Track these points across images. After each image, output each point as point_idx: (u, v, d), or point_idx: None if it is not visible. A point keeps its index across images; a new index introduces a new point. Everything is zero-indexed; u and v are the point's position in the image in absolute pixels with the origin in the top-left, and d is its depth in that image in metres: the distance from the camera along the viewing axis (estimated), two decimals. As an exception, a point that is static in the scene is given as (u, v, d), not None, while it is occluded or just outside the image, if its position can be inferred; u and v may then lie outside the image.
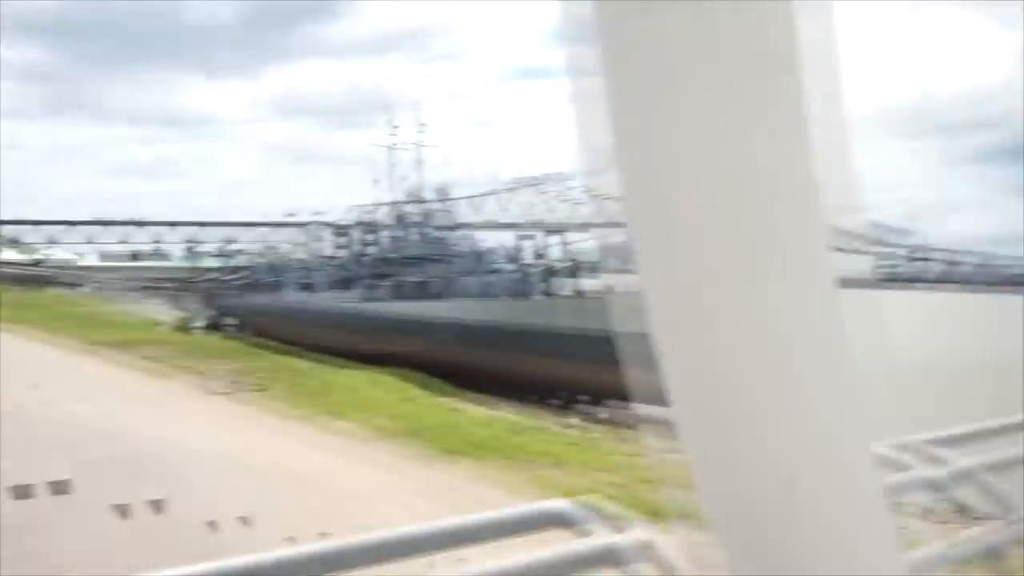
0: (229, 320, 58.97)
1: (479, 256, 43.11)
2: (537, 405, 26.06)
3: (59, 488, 7.59)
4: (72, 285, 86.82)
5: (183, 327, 55.23)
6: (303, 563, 2.19)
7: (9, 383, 16.79)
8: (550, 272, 38.77)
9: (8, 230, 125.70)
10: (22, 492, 7.31)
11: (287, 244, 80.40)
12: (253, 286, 61.12)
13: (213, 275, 75.04)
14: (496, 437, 17.92)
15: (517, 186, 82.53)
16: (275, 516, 8.47)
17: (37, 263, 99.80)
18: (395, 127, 49.95)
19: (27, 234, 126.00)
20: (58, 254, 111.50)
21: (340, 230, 56.43)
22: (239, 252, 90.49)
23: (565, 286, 37.16)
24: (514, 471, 14.15)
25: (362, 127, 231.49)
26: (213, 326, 58.17)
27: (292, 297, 52.83)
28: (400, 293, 41.17)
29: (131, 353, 30.52)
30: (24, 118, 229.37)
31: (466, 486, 12.90)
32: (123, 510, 7.28)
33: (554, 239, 43.02)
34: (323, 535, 8.06)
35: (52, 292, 76.46)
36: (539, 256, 41.68)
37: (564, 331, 28.92)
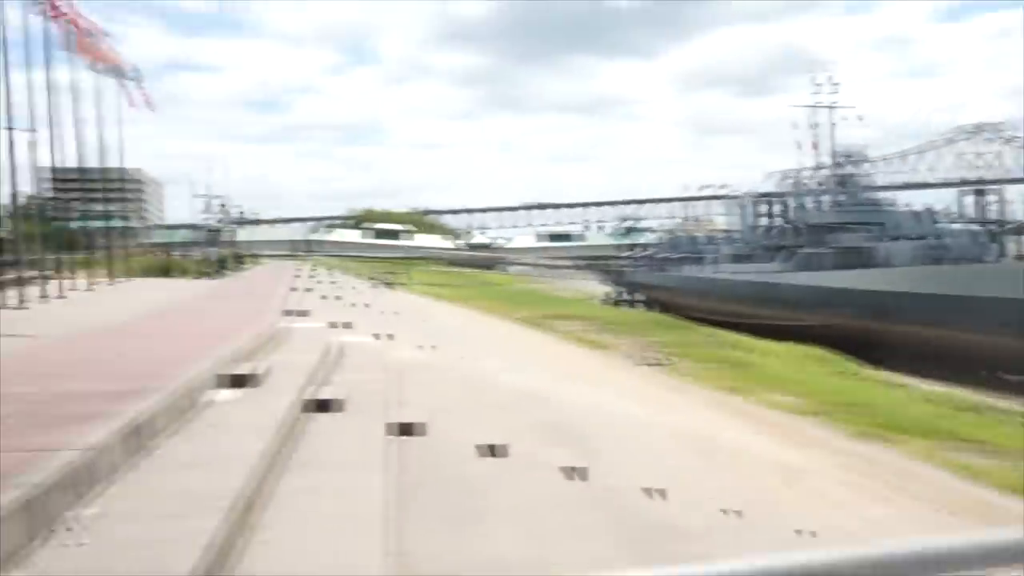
0: (639, 295, 60.64)
1: (916, 218, 38.81)
2: (984, 383, 22.81)
3: (499, 451, 7.86)
4: (507, 266, 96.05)
5: (607, 302, 58.03)
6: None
7: (454, 353, 18.55)
8: (997, 232, 33.86)
9: (453, 219, 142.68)
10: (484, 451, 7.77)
11: (701, 217, 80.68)
12: (663, 261, 62.15)
13: (627, 252, 77.94)
14: (943, 416, 15.88)
15: (954, 138, 73.54)
16: (707, 489, 8.06)
17: (480, 248, 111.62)
18: (817, 85, 47.33)
19: (469, 220, 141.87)
20: (493, 239, 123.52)
21: (758, 199, 54.80)
22: (649, 229, 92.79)
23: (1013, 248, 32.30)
24: (978, 454, 12.29)
25: (777, 92, 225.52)
26: (627, 301, 60.27)
27: (701, 270, 52.61)
28: (823, 262, 38.36)
29: (561, 327, 32.47)
30: (466, 118, 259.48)
31: (917, 470, 11.40)
32: (568, 473, 7.36)
33: (993, 196, 37.61)
34: (762, 514, 7.53)
35: (491, 274, 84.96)
36: (982, 215, 36.65)
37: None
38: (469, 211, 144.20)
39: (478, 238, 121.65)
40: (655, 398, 17.83)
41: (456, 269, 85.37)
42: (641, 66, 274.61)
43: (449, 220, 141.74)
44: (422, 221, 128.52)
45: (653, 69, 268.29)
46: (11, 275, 21.93)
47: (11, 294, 20.14)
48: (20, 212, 28.67)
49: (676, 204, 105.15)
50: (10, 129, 21.17)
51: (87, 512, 4.80)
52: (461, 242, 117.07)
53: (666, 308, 48.90)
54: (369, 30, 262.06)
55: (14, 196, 24.35)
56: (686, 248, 60.15)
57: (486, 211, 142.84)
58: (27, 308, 20.12)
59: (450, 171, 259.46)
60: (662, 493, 7.57)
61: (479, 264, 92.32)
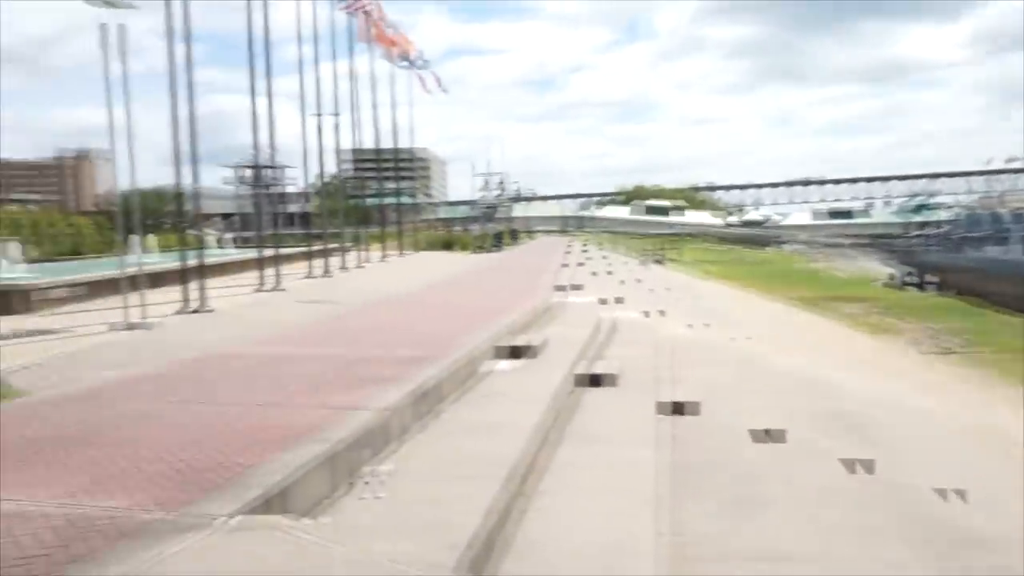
0: (930, 277, 55.36)
1: None
2: None
3: (775, 436, 7.50)
4: (782, 243, 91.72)
5: (891, 284, 53.78)
6: None
7: (726, 332, 18.01)
8: None
9: (725, 195, 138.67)
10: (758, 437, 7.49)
11: (1007, 193, 72.29)
12: (960, 241, 56.51)
13: (917, 231, 71.73)
14: None
15: None
16: (1014, 496, 7.17)
17: (754, 225, 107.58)
18: None
19: (742, 196, 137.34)
20: (767, 215, 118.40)
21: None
22: (944, 206, 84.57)
23: None
24: None
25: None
26: (916, 284, 55.32)
27: (1007, 252, 47.09)
28: None
29: (839, 309, 30.59)
30: (740, 91, 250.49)
31: None
32: (850, 465, 6.88)
33: None
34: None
35: (765, 252, 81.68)
36: None
37: None
38: (742, 187, 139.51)
39: (751, 215, 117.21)
40: (946, 389, 16.27)
41: (728, 246, 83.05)
42: (939, 29, 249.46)
43: (721, 196, 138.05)
44: (693, 197, 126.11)
45: (953, 32, 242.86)
46: (317, 247, 24.43)
47: (317, 264, 22.44)
48: (325, 190, 31.65)
49: (976, 179, 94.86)
50: (318, 115, 23.48)
51: (382, 468, 5.18)
52: (734, 219, 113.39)
53: (962, 292, 44.31)
54: (642, 6, 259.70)
55: (320, 175, 26.92)
56: (988, 226, 54.08)
57: (760, 187, 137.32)
58: (330, 277, 22.33)
59: (722, 146, 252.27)
60: (960, 495, 6.84)
61: (752, 241, 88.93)
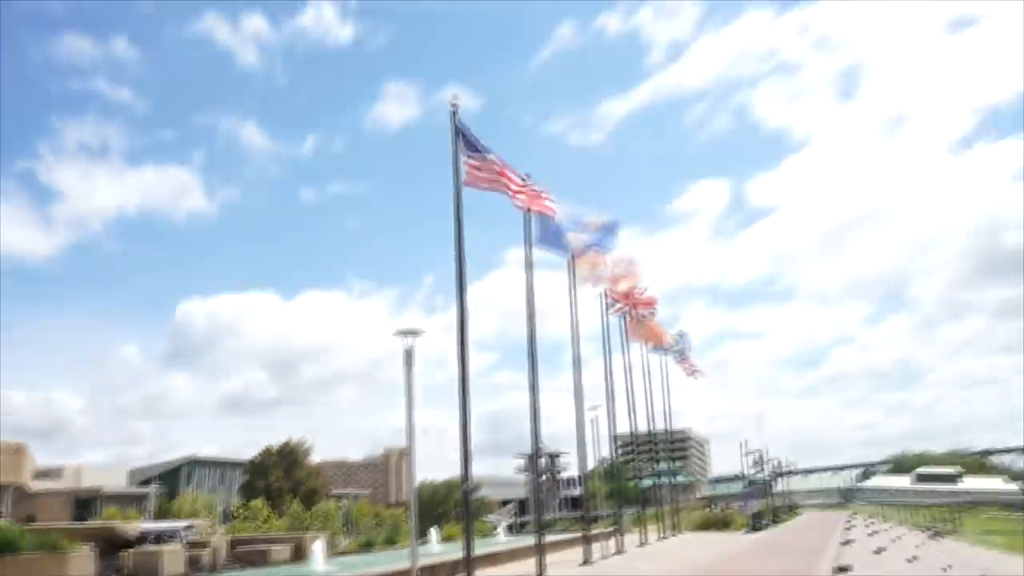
0: None
1: None
2: None
3: None
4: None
5: None
6: None
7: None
8: None
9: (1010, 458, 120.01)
10: None
11: None
12: None
13: None
14: None
15: None
16: None
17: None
18: None
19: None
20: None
21: None
22: None
23: None
24: None
25: None
26: None
27: None
28: None
29: None
30: (1010, 351, 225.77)
31: None
32: None
33: None
34: None
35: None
36: None
37: None
38: (1023, 449, 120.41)
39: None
40: None
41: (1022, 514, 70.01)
42: None
43: (1004, 460, 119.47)
44: (974, 463, 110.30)
45: None
46: (596, 531, 23.44)
47: (595, 547, 21.29)
48: (596, 473, 31.03)
49: None
50: (591, 408, 23.65)
51: None
52: None
53: None
54: (897, 278, 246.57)
55: (582, 460, 26.52)
56: None
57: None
58: (606, 559, 21.09)
59: (999, 408, 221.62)
60: None
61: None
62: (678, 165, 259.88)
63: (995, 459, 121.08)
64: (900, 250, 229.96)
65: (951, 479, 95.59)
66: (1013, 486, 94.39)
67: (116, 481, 74.13)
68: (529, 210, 17.57)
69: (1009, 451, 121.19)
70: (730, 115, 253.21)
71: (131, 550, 21.04)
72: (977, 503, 78.08)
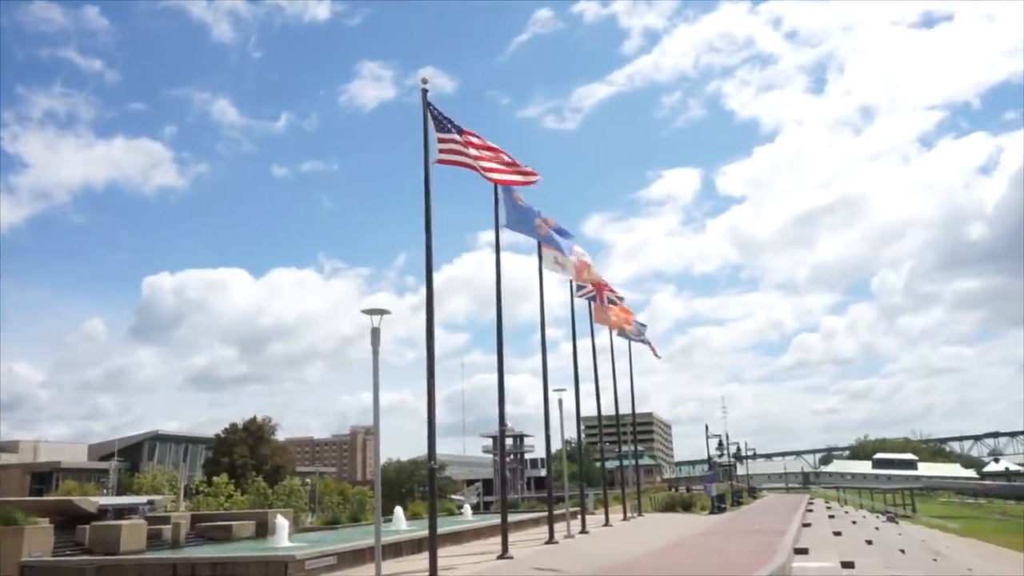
0: None
1: None
2: None
3: None
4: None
5: None
6: None
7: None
8: None
9: (959, 445, 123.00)
10: None
11: None
12: None
13: None
14: None
15: None
16: None
17: (1017, 476, 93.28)
18: None
19: (994, 445, 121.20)
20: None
21: None
22: None
23: None
24: None
25: None
26: None
27: None
28: None
29: None
30: (970, 341, 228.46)
31: None
32: None
33: None
34: None
35: None
36: None
37: None
38: (976, 437, 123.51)
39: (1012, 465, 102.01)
40: None
41: (975, 500, 72.08)
42: None
43: (955, 447, 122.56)
44: (931, 449, 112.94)
45: None
46: (559, 511, 23.48)
47: (558, 528, 21.40)
48: (560, 455, 31.13)
49: None
50: (556, 390, 23.53)
51: None
52: (995, 468, 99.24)
53: None
54: (861, 271, 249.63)
55: (547, 442, 26.55)
56: None
57: (1005, 435, 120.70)
58: (571, 538, 21.18)
59: (955, 396, 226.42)
60: None
61: (1008, 495, 76.07)
62: (651, 153, 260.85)
63: (952, 446, 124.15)
64: (866, 241, 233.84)
65: (909, 464, 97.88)
66: (969, 472, 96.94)
67: (76, 456, 73.09)
68: (503, 184, 17.24)
69: (966, 438, 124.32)
70: (703, 104, 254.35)
71: (90, 525, 20.68)
72: (933, 488, 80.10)
